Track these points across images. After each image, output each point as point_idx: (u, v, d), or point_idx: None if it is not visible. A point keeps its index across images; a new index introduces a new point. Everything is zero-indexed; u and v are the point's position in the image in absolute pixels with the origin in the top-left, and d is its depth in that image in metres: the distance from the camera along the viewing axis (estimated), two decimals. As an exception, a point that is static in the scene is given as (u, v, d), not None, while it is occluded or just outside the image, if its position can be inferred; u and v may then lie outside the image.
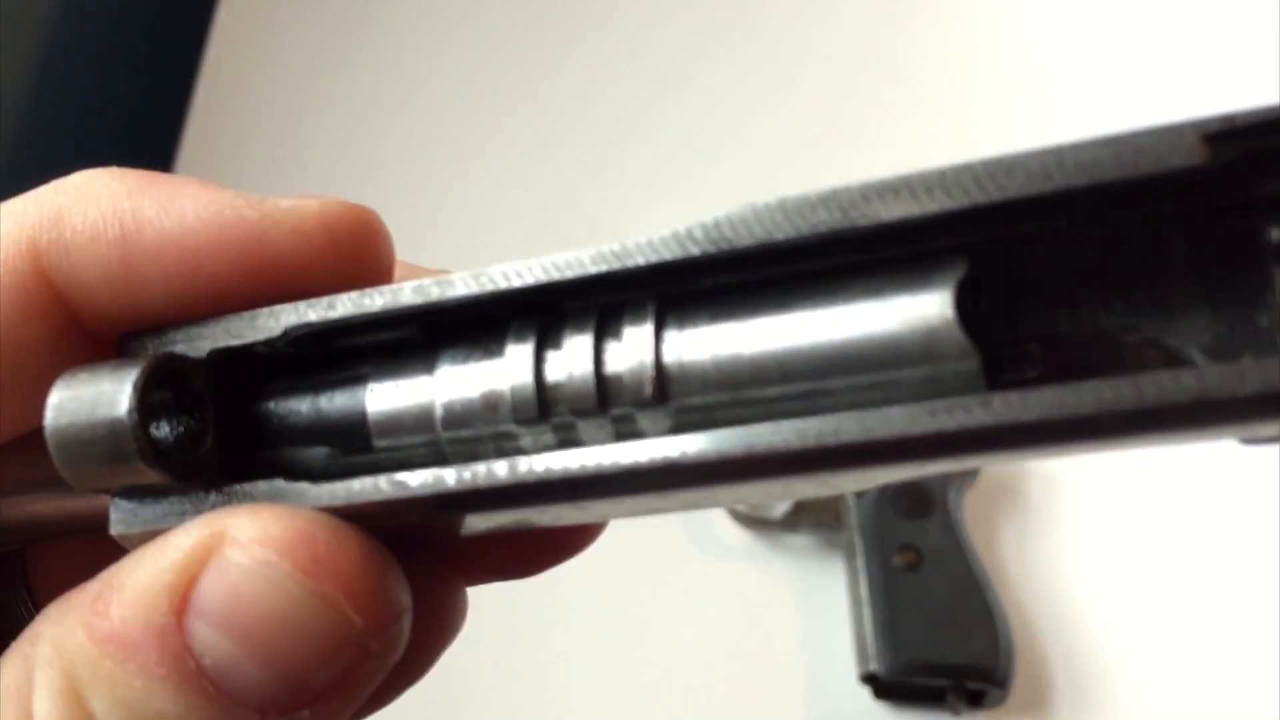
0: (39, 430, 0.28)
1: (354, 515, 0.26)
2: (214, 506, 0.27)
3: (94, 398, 0.27)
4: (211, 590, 0.25)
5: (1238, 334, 0.23)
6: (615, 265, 0.25)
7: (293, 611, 0.25)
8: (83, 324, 0.30)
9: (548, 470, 0.25)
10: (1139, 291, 0.24)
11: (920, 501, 0.86)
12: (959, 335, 0.23)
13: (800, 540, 0.92)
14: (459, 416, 0.27)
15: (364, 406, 0.28)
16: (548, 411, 0.26)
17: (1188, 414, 0.21)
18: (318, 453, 0.29)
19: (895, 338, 0.23)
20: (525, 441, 0.27)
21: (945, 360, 0.23)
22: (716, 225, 0.25)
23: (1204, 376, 0.20)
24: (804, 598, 0.91)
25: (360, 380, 0.28)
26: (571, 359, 0.26)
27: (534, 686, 0.92)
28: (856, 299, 0.24)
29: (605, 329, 0.26)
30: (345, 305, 0.28)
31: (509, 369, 0.26)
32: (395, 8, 1.34)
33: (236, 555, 0.25)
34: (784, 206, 0.24)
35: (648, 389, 0.25)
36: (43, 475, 0.30)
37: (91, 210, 0.29)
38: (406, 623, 0.27)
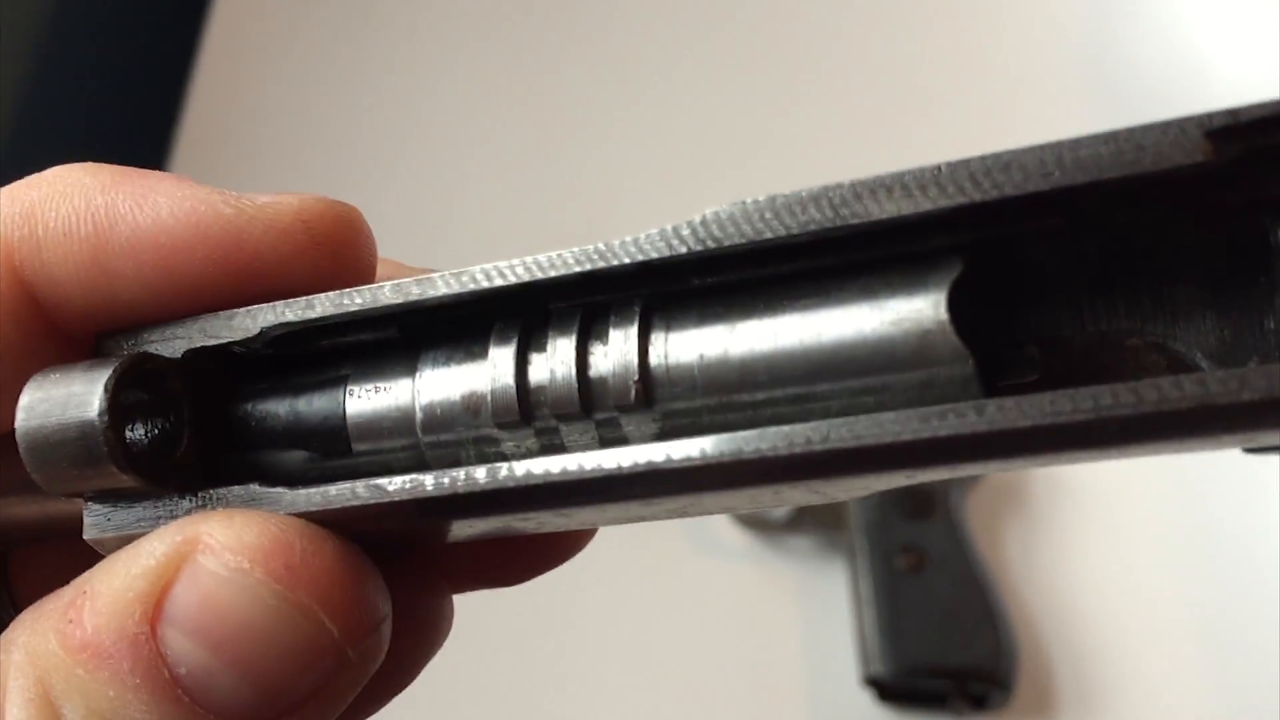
0: (12, 433, 0.27)
1: (332, 521, 0.26)
2: (189, 511, 0.27)
3: (65, 399, 0.26)
4: (185, 598, 0.24)
5: (1244, 338, 0.22)
6: (600, 264, 0.25)
7: (267, 620, 0.24)
8: (56, 324, 0.29)
9: (529, 475, 0.24)
10: (1142, 294, 0.23)
11: (922, 503, 0.86)
12: (953, 338, 0.22)
13: (802, 542, 0.92)
14: (440, 420, 0.26)
15: (343, 409, 0.27)
16: (530, 415, 0.26)
17: (1189, 422, 0.20)
18: (296, 457, 0.28)
19: (887, 341, 0.23)
20: (507, 446, 0.26)
21: (939, 364, 0.22)
22: (705, 224, 0.24)
23: (1206, 382, 0.20)
24: (805, 599, 0.90)
25: (340, 382, 0.28)
26: (555, 361, 0.25)
27: (533, 688, 0.92)
28: (848, 300, 0.23)
29: (590, 330, 0.25)
30: (324, 305, 0.27)
31: (491, 371, 0.26)
32: (391, 5, 1.33)
33: (209, 563, 0.24)
34: (774, 204, 0.23)
35: (633, 392, 0.25)
36: (19, 478, 0.29)
37: (64, 206, 0.28)
38: (386, 631, 0.26)
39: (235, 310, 0.28)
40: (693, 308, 0.25)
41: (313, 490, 0.26)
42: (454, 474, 0.25)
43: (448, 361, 0.27)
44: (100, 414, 0.26)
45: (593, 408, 0.25)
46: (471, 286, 0.26)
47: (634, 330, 0.25)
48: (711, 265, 0.25)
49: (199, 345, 0.28)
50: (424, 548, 0.32)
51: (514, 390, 0.25)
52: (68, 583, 0.26)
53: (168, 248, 0.28)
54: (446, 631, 0.34)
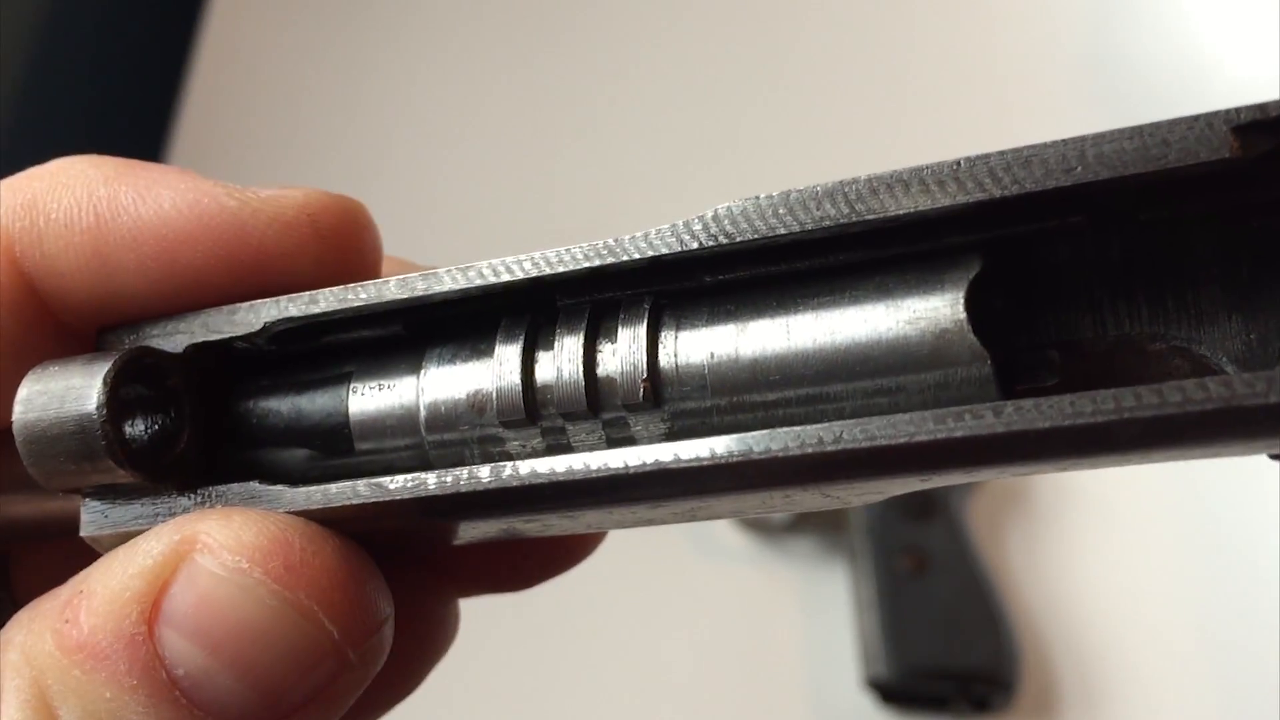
0: (6, 432, 0.27)
1: (333, 520, 0.25)
2: (187, 509, 0.26)
3: (63, 392, 0.26)
4: (183, 598, 0.24)
5: (1271, 342, 0.22)
6: (609, 260, 0.24)
7: (266, 621, 0.24)
8: (58, 317, 0.29)
9: (533, 475, 0.24)
10: (1165, 296, 0.23)
11: (924, 504, 0.85)
12: (971, 338, 0.22)
13: (803, 544, 0.91)
14: (444, 419, 0.26)
15: (346, 407, 0.27)
16: (536, 414, 0.25)
17: (1214, 424, 0.20)
18: (298, 455, 0.28)
19: (903, 340, 0.22)
20: (512, 445, 0.25)
21: (956, 365, 0.22)
22: (717, 219, 0.24)
23: (1231, 384, 0.19)
24: (806, 602, 0.90)
25: (343, 379, 0.27)
26: (562, 359, 0.25)
27: (535, 689, 0.91)
28: (863, 298, 0.23)
29: (598, 328, 0.25)
30: (328, 300, 0.27)
31: (497, 369, 0.25)
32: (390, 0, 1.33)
33: (207, 562, 0.24)
34: (788, 200, 0.23)
35: (641, 391, 0.24)
36: (18, 475, 0.29)
37: (66, 197, 0.28)
38: (387, 633, 0.26)
39: (237, 305, 0.27)
40: (703, 305, 0.24)
41: (313, 489, 0.25)
42: (457, 473, 0.24)
43: (453, 359, 0.26)
44: (98, 408, 0.25)
45: (600, 407, 0.25)
46: (478, 282, 0.25)
47: (643, 328, 0.24)
48: (723, 262, 0.24)
49: (201, 340, 0.27)
50: (429, 551, 0.32)
51: (520, 389, 0.25)
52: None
53: (170, 239, 0.27)
54: (452, 636, 0.34)
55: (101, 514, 0.27)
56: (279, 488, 0.26)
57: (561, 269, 0.25)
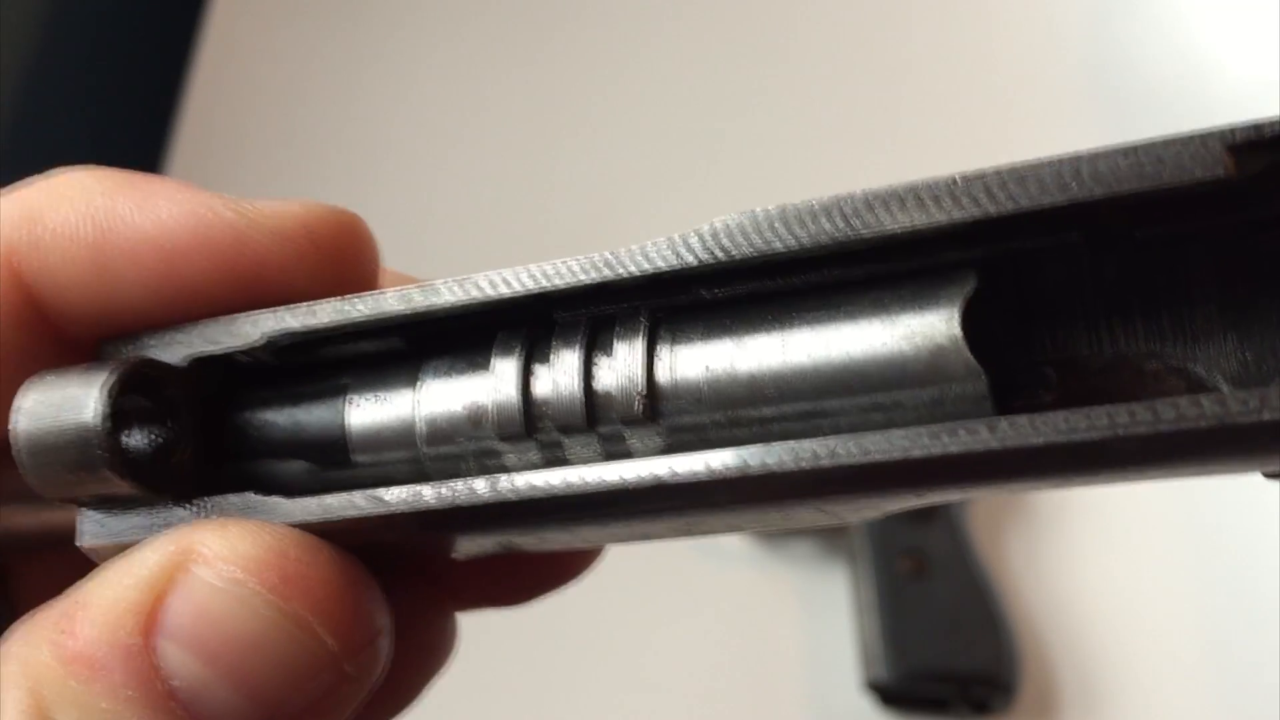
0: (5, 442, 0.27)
1: (330, 532, 0.25)
2: (185, 520, 0.26)
3: (63, 402, 0.26)
4: (180, 609, 0.24)
5: (1266, 361, 0.22)
6: (607, 274, 0.24)
7: (263, 632, 0.24)
8: (58, 328, 0.29)
9: (531, 488, 0.24)
10: (1161, 315, 0.23)
11: (924, 507, 0.85)
12: (966, 354, 0.22)
13: (803, 546, 0.91)
14: (442, 432, 0.26)
15: (344, 420, 0.27)
16: (533, 428, 0.25)
17: (1208, 442, 0.20)
18: (295, 467, 0.28)
19: (899, 356, 0.22)
20: (510, 459, 0.26)
21: (951, 381, 0.22)
22: (714, 234, 0.24)
23: (1225, 401, 0.19)
24: (806, 604, 0.90)
25: (341, 392, 0.27)
26: (559, 373, 0.25)
27: (534, 692, 0.91)
28: (859, 315, 0.23)
29: (595, 342, 0.25)
30: (327, 312, 0.27)
31: (494, 383, 0.25)
32: (391, 7, 1.33)
33: (204, 573, 0.24)
34: (785, 215, 0.23)
35: (638, 406, 0.24)
36: (17, 486, 0.29)
37: (67, 209, 0.28)
38: (384, 645, 0.26)
39: (236, 316, 0.28)
40: (700, 321, 0.24)
41: (310, 500, 0.26)
42: (454, 485, 0.24)
43: (450, 372, 0.26)
44: (98, 418, 0.25)
45: (597, 421, 0.25)
46: (476, 295, 0.25)
47: (640, 343, 0.24)
48: (720, 277, 0.24)
49: (200, 352, 0.28)
50: (427, 565, 0.32)
51: (517, 402, 0.25)
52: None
53: (169, 251, 0.27)
54: (450, 651, 0.34)
55: (99, 524, 0.27)
56: (275, 499, 0.26)
57: (560, 282, 0.25)
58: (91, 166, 0.29)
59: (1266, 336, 0.22)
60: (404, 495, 0.25)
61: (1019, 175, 0.21)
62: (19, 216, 0.28)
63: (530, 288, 0.25)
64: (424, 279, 0.28)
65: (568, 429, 0.25)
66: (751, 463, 0.22)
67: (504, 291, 0.25)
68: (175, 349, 0.28)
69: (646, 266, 0.24)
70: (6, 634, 0.26)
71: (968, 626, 0.82)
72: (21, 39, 1.20)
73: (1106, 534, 0.87)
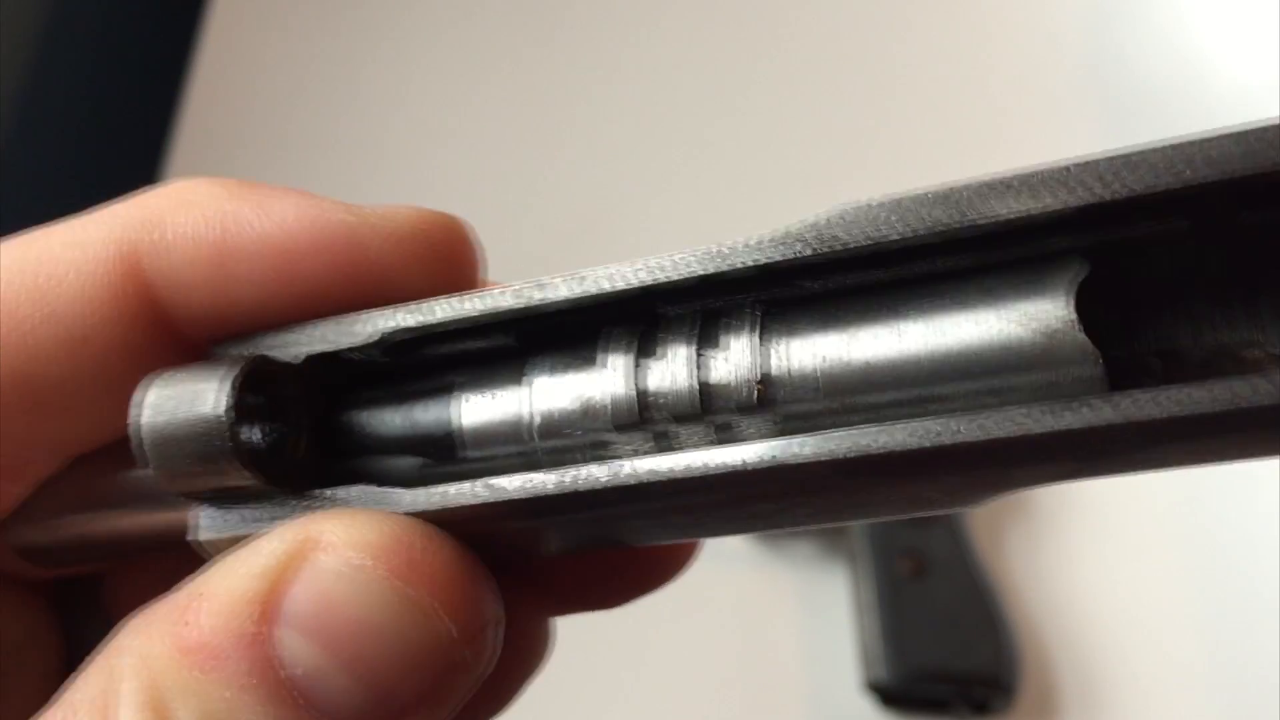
0: (116, 444, 0.28)
1: (446, 522, 0.26)
2: (300, 513, 0.27)
3: (188, 395, 0.26)
4: (302, 597, 0.24)
5: None
6: (720, 266, 0.25)
7: (385, 617, 0.24)
8: (174, 327, 0.29)
9: (650, 472, 0.24)
10: (1260, 301, 0.23)
11: (925, 508, 0.86)
12: (1081, 338, 0.22)
13: (803, 546, 0.92)
14: (554, 425, 0.26)
15: (456, 417, 0.28)
16: (646, 418, 0.25)
17: None
18: (408, 462, 0.28)
19: (1013, 341, 0.23)
20: (621, 449, 0.26)
21: (1065, 365, 0.22)
22: (827, 224, 0.24)
23: None
24: (806, 604, 0.90)
25: (451, 389, 0.28)
26: (672, 363, 0.25)
27: (534, 692, 0.91)
28: (970, 302, 0.23)
29: (706, 335, 0.25)
30: (444, 309, 0.27)
31: (606, 375, 0.26)
32: (390, 7, 1.32)
33: (329, 560, 0.24)
34: (898, 205, 0.23)
35: (754, 393, 0.24)
36: (125, 489, 0.30)
37: (192, 212, 0.29)
38: (498, 635, 0.26)
39: (353, 316, 0.28)
40: (808, 312, 0.25)
41: (431, 490, 0.26)
42: (573, 471, 0.25)
43: (560, 368, 0.27)
44: (223, 410, 0.26)
45: (710, 410, 0.25)
46: (592, 290, 0.26)
47: (754, 336, 0.25)
48: (827, 268, 0.25)
49: (315, 350, 0.28)
50: (527, 567, 0.32)
51: (633, 396, 0.25)
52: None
53: (291, 251, 0.28)
54: (546, 653, 0.34)
55: (215, 518, 0.28)
56: (394, 490, 0.26)
57: (674, 275, 0.25)
58: (210, 177, 0.30)
59: None
60: (523, 482, 0.25)
61: (1130, 162, 0.22)
62: (142, 219, 0.29)
63: (645, 281, 0.25)
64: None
65: (681, 418, 0.25)
66: (871, 443, 0.23)
67: (620, 285, 0.25)
68: (290, 349, 0.28)
69: (759, 258, 0.24)
70: (123, 631, 0.26)
71: (968, 627, 0.82)
72: (21, 39, 1.19)
73: (1106, 534, 0.88)
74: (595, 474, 0.25)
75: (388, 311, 0.28)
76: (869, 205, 0.24)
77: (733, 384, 0.25)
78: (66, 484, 0.31)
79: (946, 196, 0.23)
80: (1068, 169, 0.22)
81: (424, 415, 0.28)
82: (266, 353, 0.28)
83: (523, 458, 0.27)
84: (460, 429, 0.27)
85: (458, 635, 0.25)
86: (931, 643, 0.82)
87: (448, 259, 0.30)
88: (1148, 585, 0.85)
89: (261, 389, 0.27)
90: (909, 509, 0.25)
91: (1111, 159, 0.22)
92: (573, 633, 0.91)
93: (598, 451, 0.26)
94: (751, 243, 0.24)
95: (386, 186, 1.19)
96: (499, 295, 0.27)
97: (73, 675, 0.25)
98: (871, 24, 1.16)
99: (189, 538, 0.28)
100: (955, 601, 0.83)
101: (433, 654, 0.25)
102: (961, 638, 0.82)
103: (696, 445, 0.25)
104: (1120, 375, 0.23)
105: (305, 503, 0.27)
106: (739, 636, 0.90)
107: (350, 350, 0.28)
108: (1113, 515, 0.88)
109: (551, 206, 1.14)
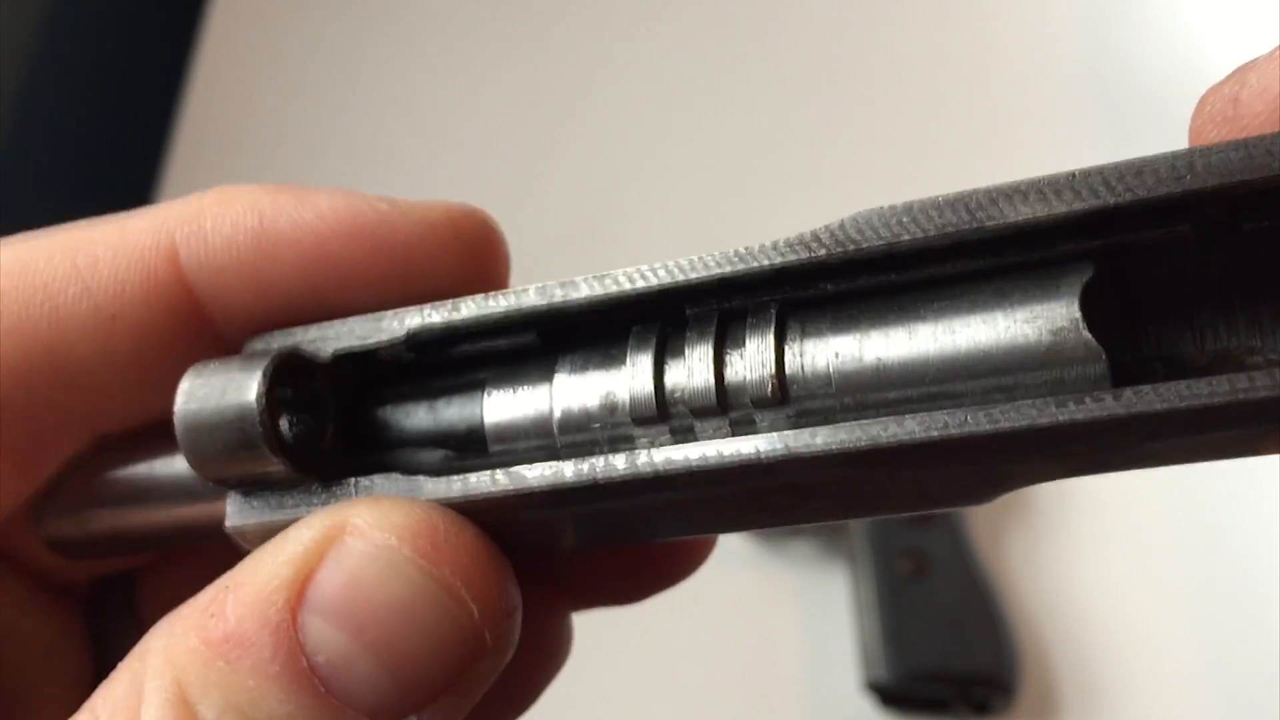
0: (147, 434, 0.28)
1: (470, 510, 0.27)
2: (328, 500, 0.28)
3: (224, 385, 0.27)
4: (329, 581, 0.25)
5: None
6: (740, 267, 0.25)
7: (411, 598, 0.25)
8: (208, 318, 0.30)
9: (668, 462, 0.25)
10: (1260, 308, 0.24)
11: (925, 508, 0.86)
12: (1087, 336, 0.23)
13: (803, 546, 0.92)
14: (577, 420, 0.27)
15: (482, 413, 0.28)
16: (666, 413, 0.26)
17: None
18: (432, 455, 0.29)
19: (1021, 339, 0.23)
20: (641, 442, 0.27)
21: (1072, 363, 0.23)
22: (842, 227, 0.25)
23: None
24: (806, 604, 0.90)
25: (478, 386, 0.29)
26: (693, 366, 0.26)
27: (535, 691, 0.91)
28: (981, 303, 0.24)
29: (726, 334, 0.26)
30: (470, 307, 0.28)
31: (630, 373, 0.27)
32: (391, 7, 1.32)
33: (357, 543, 0.25)
34: (911, 209, 0.24)
35: (771, 387, 0.25)
36: (160, 482, 0.31)
37: (233, 205, 0.30)
38: (518, 621, 0.27)
39: (382, 313, 0.29)
40: (826, 312, 0.26)
41: (453, 478, 0.27)
42: (593, 461, 0.25)
43: (585, 366, 0.27)
44: (258, 398, 0.27)
45: (729, 406, 0.26)
46: (614, 290, 0.26)
47: (771, 335, 0.25)
48: (845, 270, 0.26)
49: (345, 346, 0.29)
50: (545, 565, 0.32)
51: (653, 394, 0.26)
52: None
53: (328, 238, 0.29)
54: (567, 650, 0.34)
55: (247, 505, 0.28)
56: (420, 478, 0.27)
57: (695, 276, 0.26)
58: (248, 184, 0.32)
59: None
60: (544, 472, 0.26)
61: (1135, 168, 0.23)
62: (187, 214, 0.30)
63: (667, 281, 0.26)
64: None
65: (700, 412, 0.26)
66: (882, 433, 0.23)
67: (641, 285, 0.26)
68: (323, 344, 0.29)
69: (778, 259, 0.25)
70: (150, 632, 0.26)
71: (968, 627, 0.82)
72: (21, 39, 1.19)
73: (1106, 534, 0.88)
74: (614, 463, 0.25)
75: (418, 309, 0.28)
76: (883, 209, 0.24)
77: (751, 380, 0.25)
78: (96, 475, 0.32)
79: (958, 201, 0.24)
80: (1073, 175, 0.23)
81: (450, 410, 0.29)
82: (298, 347, 0.29)
83: (545, 452, 0.28)
84: (486, 424, 0.28)
85: (481, 618, 0.25)
86: (931, 643, 0.82)
87: (476, 250, 0.30)
88: (1148, 585, 0.86)
89: (292, 381, 0.28)
90: (916, 505, 0.26)
91: (1116, 165, 0.23)
92: (574, 632, 0.91)
93: (619, 446, 0.27)
94: (770, 245, 0.25)
95: (387, 187, 1.18)
96: (525, 294, 0.27)
97: (104, 681, 0.26)
98: (872, 24, 1.17)
99: (226, 525, 0.29)
100: (955, 601, 0.83)
101: (456, 636, 0.25)
102: (961, 638, 0.82)
103: (713, 438, 0.26)
104: (1124, 379, 0.24)
105: (332, 491, 0.28)
106: (739, 636, 0.90)
107: (379, 347, 0.29)
108: (1112, 515, 0.88)
109: (552, 207, 1.14)
